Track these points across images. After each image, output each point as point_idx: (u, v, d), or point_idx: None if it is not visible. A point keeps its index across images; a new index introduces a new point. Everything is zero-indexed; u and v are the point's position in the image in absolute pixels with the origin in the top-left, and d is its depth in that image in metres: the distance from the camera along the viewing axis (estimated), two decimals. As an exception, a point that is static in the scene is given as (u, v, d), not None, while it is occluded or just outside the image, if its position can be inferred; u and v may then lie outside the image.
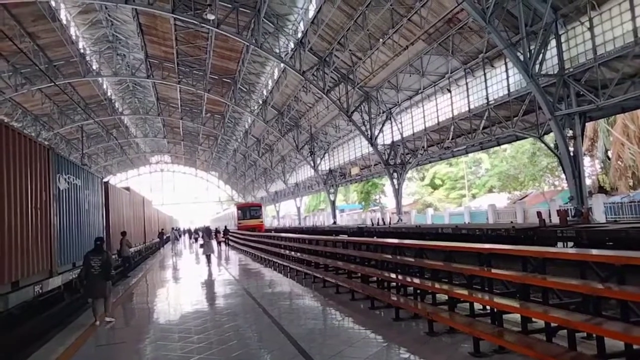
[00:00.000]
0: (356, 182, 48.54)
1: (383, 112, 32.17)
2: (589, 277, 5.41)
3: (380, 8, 22.30)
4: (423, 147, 29.72)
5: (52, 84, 29.11)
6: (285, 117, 41.94)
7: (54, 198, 10.26)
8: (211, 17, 25.35)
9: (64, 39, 29.85)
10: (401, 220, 32.64)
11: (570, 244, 14.48)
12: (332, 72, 29.99)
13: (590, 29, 16.55)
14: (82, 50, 33.90)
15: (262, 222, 42.07)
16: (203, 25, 26.72)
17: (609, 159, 30.73)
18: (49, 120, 43.41)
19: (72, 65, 34.09)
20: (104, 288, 8.65)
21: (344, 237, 19.12)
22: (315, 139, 43.13)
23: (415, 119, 30.24)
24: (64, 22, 29.41)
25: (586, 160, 28.43)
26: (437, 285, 6.92)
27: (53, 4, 27.00)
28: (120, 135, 57.37)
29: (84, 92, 40.72)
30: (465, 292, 6.25)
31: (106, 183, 17.10)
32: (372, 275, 9.16)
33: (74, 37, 31.72)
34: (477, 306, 6.51)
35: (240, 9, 26.80)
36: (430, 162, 36.49)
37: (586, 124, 19.25)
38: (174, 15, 26.09)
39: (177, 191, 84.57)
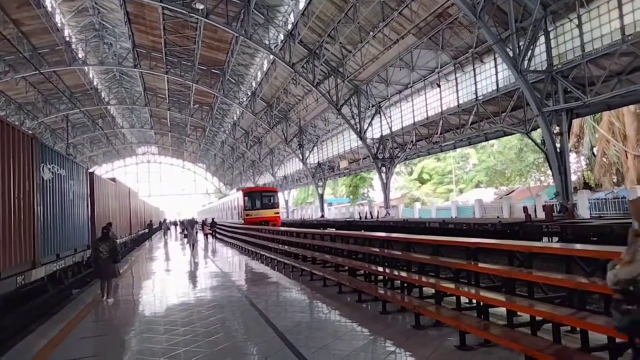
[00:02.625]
0: (345, 175, 48.58)
1: (372, 106, 32.16)
2: (573, 271, 5.46)
3: (372, 1, 22.23)
4: (412, 141, 29.80)
5: (37, 72, 28.55)
6: (274, 110, 41.72)
7: (37, 188, 10.08)
8: (200, 6, 25.06)
9: (49, 27, 29.28)
10: (389, 214, 32.77)
11: (556, 239, 14.68)
12: (322, 64, 29.85)
13: (579, 26, 16.66)
14: (67, 38, 33.29)
15: (278, 213, 32.21)
16: (192, 14, 26.39)
17: (595, 155, 31.13)
18: (33, 109, 42.66)
19: (57, 54, 33.48)
20: (113, 270, 9.99)
21: (332, 230, 19.17)
22: (304, 132, 42.99)
23: (405, 113, 30.27)
24: (49, 9, 28.83)
25: (572, 157, 28.76)
26: (424, 279, 6.95)
27: (38, -10, 26.45)
28: (106, 126, 56.61)
29: (70, 80, 40.05)
30: (452, 285, 6.29)
31: (91, 173, 16.87)
32: (359, 268, 9.17)
33: (59, 25, 31.12)
34: (464, 300, 6.54)
35: (230, -1, 26.54)
36: (418, 156, 36.62)
37: (573, 120, 19.46)
38: (162, 4, 25.73)
39: (164, 183, 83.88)
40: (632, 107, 25.26)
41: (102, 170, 73.47)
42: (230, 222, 33.60)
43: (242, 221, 30.06)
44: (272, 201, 31.83)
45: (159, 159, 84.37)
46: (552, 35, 18.06)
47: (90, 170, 17.89)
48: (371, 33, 24.73)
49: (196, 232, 25.33)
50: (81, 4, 30.31)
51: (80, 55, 35.69)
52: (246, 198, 31.48)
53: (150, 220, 39.64)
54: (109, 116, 55.21)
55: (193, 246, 21.40)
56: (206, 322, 7.40)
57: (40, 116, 43.24)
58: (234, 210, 35.20)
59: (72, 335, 7.22)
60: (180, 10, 25.97)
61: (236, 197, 34.65)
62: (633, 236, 2.76)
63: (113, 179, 23.66)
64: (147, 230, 35.99)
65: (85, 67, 38.24)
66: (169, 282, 13.23)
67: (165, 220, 44.45)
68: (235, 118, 51.78)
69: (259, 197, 31.74)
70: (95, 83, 44.22)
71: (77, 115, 48.29)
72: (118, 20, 32.85)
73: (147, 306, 9.67)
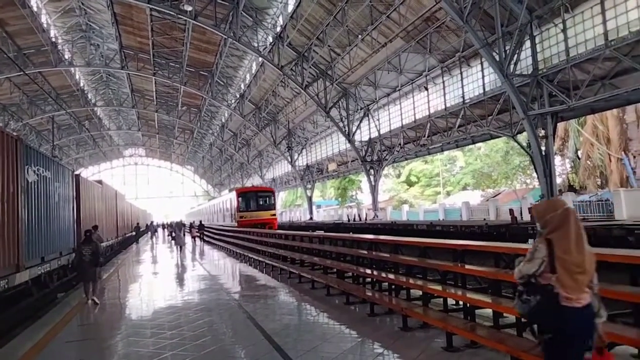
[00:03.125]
0: (333, 178, 48.65)
1: (361, 109, 32.28)
2: (558, 273, 5.52)
3: (360, 4, 22.33)
4: (399, 144, 29.96)
5: (22, 73, 28.18)
6: (262, 112, 41.66)
7: (22, 190, 9.94)
8: (188, 8, 24.97)
9: (34, 27, 28.92)
10: (377, 217, 32.88)
11: (541, 240, 14.83)
12: (310, 67, 29.91)
13: (564, 31, 16.93)
14: (53, 39, 32.93)
15: (275, 215, 29.79)
16: (180, 16, 26.29)
17: (579, 158, 31.59)
18: (17, 110, 42.03)
19: (43, 54, 33.08)
20: (94, 273, 10.07)
21: (320, 232, 19.18)
22: (293, 134, 42.99)
23: (393, 116, 30.44)
24: (35, 9, 28.50)
25: (557, 160, 29.16)
26: (411, 281, 6.99)
27: (23, -10, 26.13)
28: (92, 127, 56.03)
29: (56, 82, 39.57)
30: (439, 287, 6.33)
31: (77, 176, 16.67)
32: (347, 270, 9.19)
33: (45, 25, 30.79)
34: (451, 301, 6.60)
35: (219, 1, 26.46)
36: (406, 159, 36.83)
37: (558, 124, 19.77)
38: (150, 6, 25.59)
39: (151, 185, 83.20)
40: (615, 111, 25.70)
41: (89, 173, 72.64)
42: (221, 225, 32.02)
43: (236, 224, 27.42)
44: (268, 202, 29.14)
45: (146, 161, 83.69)
46: (537, 39, 18.32)
47: (76, 172, 17.67)
48: (360, 36, 24.85)
49: (184, 235, 25.69)
50: (68, 4, 30.01)
51: (66, 56, 35.32)
52: (240, 199, 28.59)
53: (138, 223, 39.35)
54: (95, 118, 54.65)
55: (180, 248, 22.08)
56: (193, 325, 7.36)
57: (25, 117, 42.64)
58: (227, 212, 32.18)
59: (58, 339, 7.13)
60: (168, 11, 25.83)
61: (229, 198, 31.48)
62: (538, 236, 3.17)
63: (99, 181, 23.41)
64: (134, 233, 35.71)
65: (72, 68, 37.83)
66: (156, 285, 13.12)
67: (152, 222, 44.44)
68: (223, 120, 51.59)
69: (254, 198, 28.87)
70: (81, 84, 43.74)
71: (63, 117, 47.73)
72: (105, 22, 32.58)
73: (133, 309, 9.58)
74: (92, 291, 9.92)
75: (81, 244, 10.36)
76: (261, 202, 28.78)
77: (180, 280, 13.69)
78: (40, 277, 11.19)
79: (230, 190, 33.99)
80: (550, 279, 2.97)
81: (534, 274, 3.04)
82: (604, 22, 15.50)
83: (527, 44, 18.44)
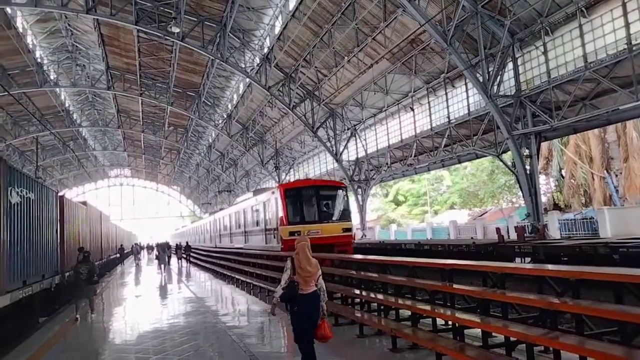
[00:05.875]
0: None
1: (348, 129, 32.51)
2: (545, 291, 5.57)
3: (346, 27, 22.69)
4: (387, 163, 30.15)
5: (6, 93, 27.91)
6: (250, 132, 41.71)
7: (4, 212, 9.75)
8: (176, 30, 25.08)
9: (19, 47, 28.74)
10: (365, 236, 32.83)
11: (528, 259, 14.95)
12: (297, 88, 30.14)
13: (545, 53, 17.37)
14: (39, 60, 32.76)
15: (350, 229, 17.36)
16: (167, 38, 26.40)
17: (563, 177, 32.07)
18: (1, 130, 41.47)
19: (27, 75, 32.84)
20: (90, 290, 11.09)
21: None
22: (281, 154, 43.03)
23: (379, 136, 30.70)
24: (20, 30, 28.39)
25: (541, 179, 29.54)
26: (400, 301, 6.97)
27: (9, 11, 26.04)
28: (77, 148, 55.43)
29: (40, 102, 39.21)
30: (428, 307, 6.32)
31: (61, 197, 16.40)
32: (336, 291, 9.13)
33: (30, 46, 30.65)
34: (440, 321, 6.58)
35: (206, 22, 26.66)
36: (393, 178, 37.01)
37: (541, 143, 20.11)
38: (138, 27, 25.67)
39: (137, 206, 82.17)
40: (596, 130, 26.25)
41: (73, 194, 71.55)
42: (236, 249, 21.65)
43: (278, 244, 16.07)
44: (337, 206, 17.16)
45: (132, 182, 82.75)
46: (519, 61, 18.75)
47: (60, 193, 17.40)
48: (346, 58, 25.18)
49: (168, 256, 25.68)
50: (54, 25, 29.98)
51: (52, 77, 35.11)
52: (288, 201, 16.32)
53: (122, 245, 38.81)
54: (80, 138, 54.14)
55: (163, 267, 23.24)
56: (179, 349, 7.22)
57: (9, 138, 42.06)
58: (254, 226, 20.06)
59: (38, 366, 6.93)
60: (155, 33, 25.95)
61: (261, 202, 18.95)
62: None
63: (84, 203, 23.06)
64: (118, 255, 35.18)
65: (57, 89, 37.59)
66: (141, 308, 12.87)
67: (136, 244, 44.24)
68: (210, 140, 51.48)
69: (314, 198, 16.89)
70: (67, 105, 43.42)
71: (48, 137, 47.20)
72: (92, 42, 32.56)
73: (117, 334, 9.37)
74: (90, 306, 11.08)
75: (79, 263, 11.33)
76: (325, 206, 17.01)
77: (165, 302, 13.45)
78: (20, 301, 10.90)
79: (256, 192, 21.48)
80: (294, 279, 5.48)
81: (289, 277, 5.53)
82: (583, 44, 15.94)
83: (510, 65, 18.85)
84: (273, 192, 17.41)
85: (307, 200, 16.93)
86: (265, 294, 12.69)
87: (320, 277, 5.59)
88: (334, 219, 16.69)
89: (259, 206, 19.30)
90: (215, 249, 27.39)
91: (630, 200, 25.67)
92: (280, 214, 16.21)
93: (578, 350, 4.13)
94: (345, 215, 17.20)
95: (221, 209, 32.21)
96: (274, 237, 16.86)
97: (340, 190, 17.72)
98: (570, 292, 4.90)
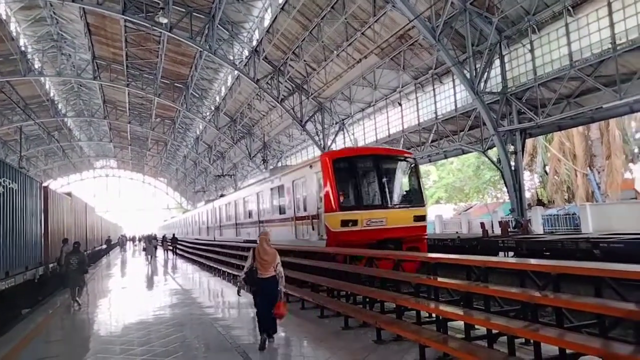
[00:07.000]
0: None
1: (336, 123, 32.53)
2: (527, 285, 5.68)
3: (335, 21, 22.65)
4: (374, 158, 30.19)
5: (-11, 81, 27.38)
6: (238, 125, 41.51)
7: (-13, 203, 9.63)
8: (164, 20, 24.79)
9: (2, 35, 28.15)
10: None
11: (511, 253, 15.18)
12: (286, 81, 30.05)
13: (531, 51, 17.55)
14: (23, 48, 32.12)
15: (424, 218, 12.43)
16: (155, 28, 26.09)
17: (547, 173, 32.56)
18: (-17, 120, 40.73)
19: (11, 63, 32.18)
20: (81, 279, 11.43)
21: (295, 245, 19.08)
22: (268, 147, 42.89)
23: (367, 131, 30.78)
24: (4, 17, 27.78)
25: (526, 175, 29.94)
26: (385, 294, 7.06)
27: (-8, -3, 25.52)
28: (62, 138, 54.59)
29: (24, 91, 38.51)
30: (412, 300, 6.41)
31: (45, 188, 16.22)
32: (322, 284, 9.20)
33: (14, 34, 30.02)
34: (424, 314, 6.68)
35: (194, 13, 26.41)
36: (381, 173, 37.08)
37: (526, 140, 20.38)
38: (125, 17, 25.32)
39: (123, 197, 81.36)
40: (580, 128, 26.66)
41: (57, 184, 70.55)
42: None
43: (320, 238, 11.97)
44: (407, 184, 13.23)
45: (117, 173, 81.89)
46: (506, 59, 18.93)
47: (45, 184, 17.20)
48: (335, 52, 25.16)
49: (155, 247, 25.71)
50: (39, 13, 29.41)
51: (36, 66, 34.47)
52: (338, 176, 11.81)
53: (109, 237, 38.66)
54: (65, 128, 53.33)
55: (150, 258, 24.26)
56: (165, 341, 7.23)
57: (-9, 128, 41.33)
58: (275, 213, 15.72)
59: (22, 357, 6.88)
60: (143, 23, 25.62)
61: (289, 182, 14.26)
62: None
63: (69, 194, 22.82)
64: (105, 247, 34.96)
65: (42, 78, 36.94)
66: (126, 299, 12.82)
67: (122, 236, 44.70)
68: (198, 132, 51.12)
69: (375, 173, 12.49)
70: (52, 94, 42.71)
71: (32, 127, 46.41)
72: (78, 32, 32.03)
73: (102, 325, 9.33)
74: (78, 294, 11.33)
75: (69, 254, 11.66)
76: (390, 186, 12.47)
77: (151, 294, 13.41)
78: (2, 292, 10.80)
79: (273, 172, 17.54)
80: (255, 265, 6.73)
81: (249, 269, 6.86)
82: (569, 43, 16.15)
83: (497, 62, 19.03)
84: (311, 166, 12.65)
85: (366, 175, 12.60)
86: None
87: (279, 264, 6.74)
88: (404, 203, 12.39)
89: (286, 187, 14.56)
90: (199, 241, 27.19)
91: (612, 197, 26.18)
92: (326, 195, 11.59)
93: (558, 342, 4.25)
94: (418, 198, 12.73)
95: (221, 196, 28.22)
96: (313, 229, 12.35)
97: (410, 162, 13.16)
98: (551, 286, 5.02)
